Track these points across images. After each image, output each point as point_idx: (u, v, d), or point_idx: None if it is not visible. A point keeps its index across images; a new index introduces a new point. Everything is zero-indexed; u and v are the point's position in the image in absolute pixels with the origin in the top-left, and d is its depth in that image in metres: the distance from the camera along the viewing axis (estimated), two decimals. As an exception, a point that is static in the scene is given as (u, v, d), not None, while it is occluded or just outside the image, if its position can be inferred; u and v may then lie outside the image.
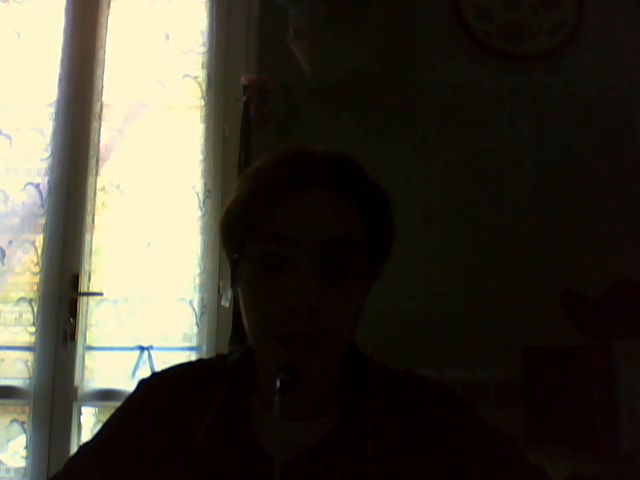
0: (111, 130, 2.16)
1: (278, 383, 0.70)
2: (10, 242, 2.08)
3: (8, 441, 1.99)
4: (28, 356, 2.01)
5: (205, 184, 2.09)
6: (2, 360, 2.02)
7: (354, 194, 0.77)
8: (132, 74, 2.19)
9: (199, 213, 2.08)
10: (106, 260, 2.08)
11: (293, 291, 0.71)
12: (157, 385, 0.86)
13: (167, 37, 2.21)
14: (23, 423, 1.99)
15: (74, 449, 1.95)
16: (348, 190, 0.77)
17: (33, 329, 2.03)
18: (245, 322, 0.78)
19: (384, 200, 0.81)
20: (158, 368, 0.92)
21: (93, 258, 2.07)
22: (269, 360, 0.76)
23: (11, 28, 2.22)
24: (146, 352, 1.99)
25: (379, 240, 0.80)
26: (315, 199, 0.76)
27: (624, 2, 2.07)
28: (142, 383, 0.87)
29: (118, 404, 0.87)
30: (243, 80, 1.98)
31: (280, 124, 1.96)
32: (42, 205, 2.10)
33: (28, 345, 2.02)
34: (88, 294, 2.05)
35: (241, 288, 0.78)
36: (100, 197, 2.11)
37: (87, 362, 2.02)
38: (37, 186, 2.11)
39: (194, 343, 2.01)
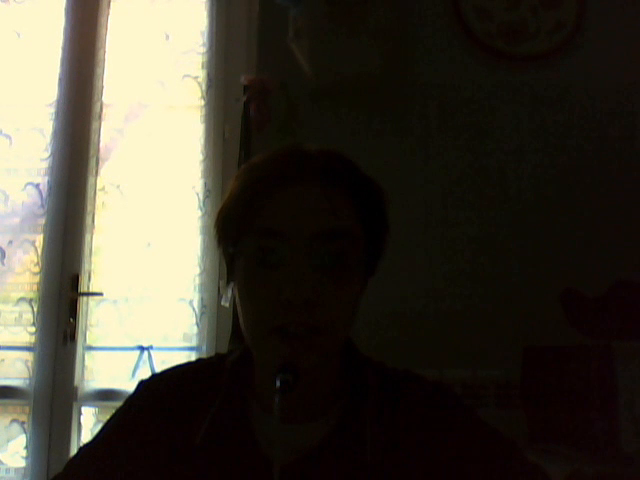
0: (111, 130, 2.16)
1: (278, 383, 0.69)
2: (10, 242, 2.09)
3: (8, 441, 1.99)
4: (28, 356, 2.01)
5: (205, 184, 2.09)
6: (2, 360, 2.02)
7: (347, 187, 0.77)
8: (132, 74, 2.19)
9: (199, 213, 2.08)
10: (106, 260, 2.08)
11: (288, 284, 0.72)
12: (157, 386, 0.86)
13: (167, 37, 2.21)
14: (23, 423, 1.99)
15: (74, 449, 1.95)
16: (340, 183, 0.77)
17: (33, 329, 2.03)
18: (241, 317, 0.78)
19: (377, 193, 0.81)
20: (158, 368, 0.92)
21: (93, 258, 2.08)
22: (266, 356, 0.76)
23: (11, 28, 2.22)
24: (146, 352, 1.99)
25: (374, 233, 0.80)
26: (307, 193, 0.76)
27: (624, 2, 2.07)
28: (142, 384, 0.87)
29: (118, 404, 0.88)
30: (243, 80, 1.98)
31: (280, 124, 1.95)
32: (42, 205, 2.10)
33: (28, 345, 2.02)
34: (88, 294, 2.05)
35: (237, 283, 0.78)
36: (100, 197, 2.11)
37: (87, 362, 2.02)
38: (37, 186, 2.11)
39: (194, 343, 2.01)
